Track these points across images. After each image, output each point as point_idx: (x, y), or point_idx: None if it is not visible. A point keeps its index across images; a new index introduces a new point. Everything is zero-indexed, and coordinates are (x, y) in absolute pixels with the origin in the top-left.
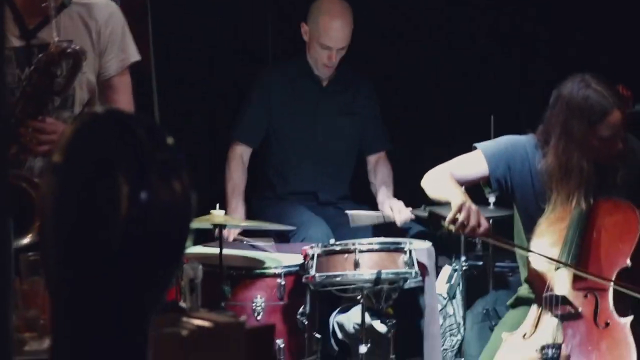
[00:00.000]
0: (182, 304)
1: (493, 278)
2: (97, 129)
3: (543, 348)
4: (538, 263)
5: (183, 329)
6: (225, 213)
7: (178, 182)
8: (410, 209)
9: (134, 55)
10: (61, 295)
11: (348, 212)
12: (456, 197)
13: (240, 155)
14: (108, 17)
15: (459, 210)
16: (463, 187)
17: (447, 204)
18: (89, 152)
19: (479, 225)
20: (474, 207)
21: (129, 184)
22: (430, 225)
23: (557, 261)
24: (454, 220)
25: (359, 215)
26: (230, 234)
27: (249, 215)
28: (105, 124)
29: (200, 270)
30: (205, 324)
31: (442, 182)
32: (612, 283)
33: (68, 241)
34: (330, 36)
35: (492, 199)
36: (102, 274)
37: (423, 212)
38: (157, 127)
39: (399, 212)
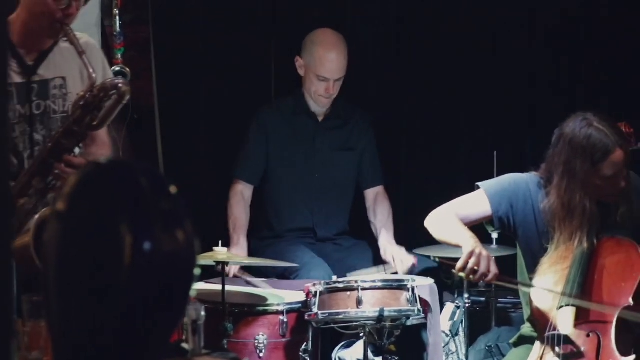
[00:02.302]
0: (185, 345)
1: (496, 314)
2: (101, 178)
3: None
4: (541, 302)
5: None
6: (228, 249)
7: (181, 231)
8: (412, 257)
9: None
10: (63, 340)
11: (349, 274)
12: (466, 242)
13: (242, 192)
14: (90, 52)
15: (470, 256)
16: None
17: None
18: (92, 201)
19: (488, 271)
20: (484, 252)
21: (133, 234)
22: (441, 272)
23: (563, 294)
24: (464, 267)
25: (360, 274)
26: (231, 270)
27: (250, 255)
28: (109, 174)
29: (203, 311)
30: None
31: (450, 225)
32: (619, 309)
33: (70, 289)
34: (326, 67)
35: (495, 236)
36: (105, 322)
37: (434, 263)
38: (160, 176)
39: (401, 262)
